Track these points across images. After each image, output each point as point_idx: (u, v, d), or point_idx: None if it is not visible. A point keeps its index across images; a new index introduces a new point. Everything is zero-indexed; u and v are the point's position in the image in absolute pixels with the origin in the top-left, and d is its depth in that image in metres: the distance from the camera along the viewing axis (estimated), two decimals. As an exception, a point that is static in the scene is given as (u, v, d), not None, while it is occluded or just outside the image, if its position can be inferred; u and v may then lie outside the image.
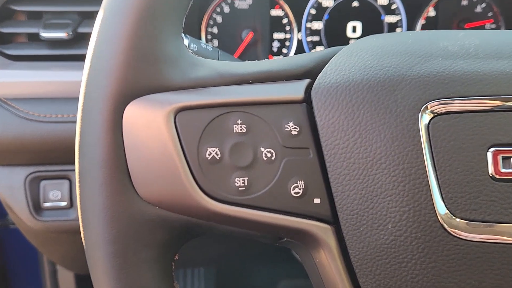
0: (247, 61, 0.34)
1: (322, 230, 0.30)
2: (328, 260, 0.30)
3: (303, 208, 0.30)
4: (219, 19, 0.71)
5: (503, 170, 0.28)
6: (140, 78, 0.29)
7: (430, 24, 0.74)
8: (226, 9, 0.71)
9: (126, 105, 0.28)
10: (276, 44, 0.73)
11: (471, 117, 0.29)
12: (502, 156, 0.28)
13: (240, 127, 0.29)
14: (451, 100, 0.29)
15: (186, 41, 0.46)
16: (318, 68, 0.33)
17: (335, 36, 0.73)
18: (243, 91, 0.30)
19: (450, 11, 0.74)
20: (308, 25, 0.73)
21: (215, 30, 0.72)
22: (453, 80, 0.29)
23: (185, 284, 1.09)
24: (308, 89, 0.31)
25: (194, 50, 0.46)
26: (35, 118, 0.57)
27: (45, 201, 0.61)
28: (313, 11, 0.72)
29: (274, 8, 0.72)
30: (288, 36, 0.73)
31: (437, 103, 0.29)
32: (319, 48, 0.74)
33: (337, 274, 0.30)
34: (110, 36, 0.29)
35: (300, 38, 0.73)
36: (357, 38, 0.73)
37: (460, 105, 0.29)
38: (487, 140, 0.28)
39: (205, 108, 0.29)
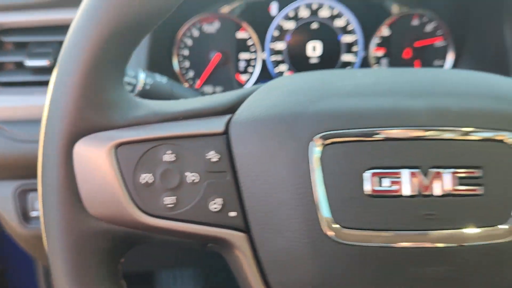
0: (181, 99, 0.41)
1: (237, 238, 0.37)
2: (244, 262, 0.37)
3: (221, 221, 0.37)
4: (189, 42, 0.79)
5: (376, 188, 0.35)
6: (87, 120, 0.36)
7: (384, 43, 0.80)
8: (196, 33, 0.78)
9: (76, 141, 0.36)
10: (242, 64, 0.80)
11: (352, 145, 0.36)
12: (376, 177, 0.35)
13: (170, 156, 0.37)
14: (337, 132, 0.36)
15: (142, 76, 0.54)
16: (237, 105, 0.40)
17: (296, 55, 0.80)
18: (173, 127, 0.37)
19: (402, 30, 0.80)
20: (272, 45, 0.80)
21: (186, 52, 0.79)
22: (340, 116, 0.36)
23: (174, 285, 1.16)
24: (228, 123, 0.38)
25: (150, 83, 0.53)
26: (22, 138, 0.65)
27: (32, 210, 0.69)
28: (276, 33, 0.80)
29: (239, 31, 0.79)
30: (253, 56, 0.80)
31: (326, 135, 0.36)
32: (282, 67, 0.81)
33: (250, 273, 0.37)
34: (63, 86, 0.36)
35: (264, 58, 0.80)
36: (317, 57, 0.80)
37: (344, 136, 0.36)
38: (365, 164, 0.35)
39: (140, 142, 0.36)
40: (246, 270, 0.38)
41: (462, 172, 0.36)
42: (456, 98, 0.38)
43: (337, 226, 0.35)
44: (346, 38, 0.80)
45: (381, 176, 0.35)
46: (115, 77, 0.37)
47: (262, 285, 0.38)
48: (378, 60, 0.81)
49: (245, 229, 0.37)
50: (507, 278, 0.36)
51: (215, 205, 0.37)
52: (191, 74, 0.80)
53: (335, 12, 0.79)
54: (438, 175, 0.35)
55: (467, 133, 0.36)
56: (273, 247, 0.36)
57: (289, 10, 0.79)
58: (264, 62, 0.80)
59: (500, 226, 0.36)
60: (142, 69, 0.55)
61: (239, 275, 0.39)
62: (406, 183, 0.35)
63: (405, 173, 0.35)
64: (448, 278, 0.35)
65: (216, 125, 0.38)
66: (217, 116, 0.39)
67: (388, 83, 0.39)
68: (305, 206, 0.35)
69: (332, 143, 0.36)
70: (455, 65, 0.80)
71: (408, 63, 0.81)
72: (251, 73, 0.80)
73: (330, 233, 0.35)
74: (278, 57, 0.80)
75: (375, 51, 0.81)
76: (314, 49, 0.80)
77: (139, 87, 0.53)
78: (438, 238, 0.35)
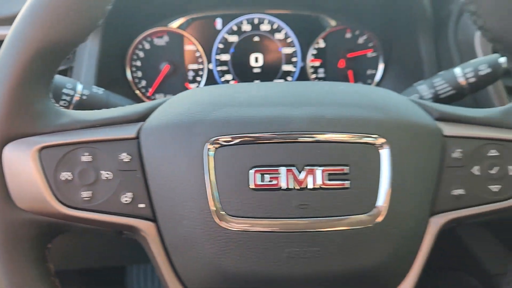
0: (102, 109, 0.48)
1: (146, 226, 0.44)
2: (153, 246, 0.44)
3: (131, 211, 0.44)
4: (141, 54, 0.86)
5: (259, 183, 0.42)
6: (16, 127, 0.43)
7: (320, 54, 0.88)
8: (147, 46, 0.85)
9: (5, 146, 0.42)
10: (191, 74, 0.87)
11: (239, 148, 0.43)
12: (259, 174, 0.42)
13: (87, 157, 0.43)
14: (226, 137, 0.43)
15: (79, 88, 0.60)
16: (148, 114, 0.46)
17: (240, 66, 0.88)
18: (90, 133, 0.44)
19: (337, 43, 0.88)
20: (217, 57, 0.87)
21: (138, 63, 0.86)
22: (230, 123, 0.43)
23: (145, 280, 1.21)
24: (140, 129, 0.45)
25: (87, 94, 0.60)
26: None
27: None
28: (221, 46, 0.87)
29: (187, 44, 0.86)
30: (201, 66, 0.87)
31: (217, 139, 0.43)
32: (227, 76, 0.88)
33: (158, 256, 0.44)
34: None
35: (211, 68, 0.87)
36: (259, 67, 0.88)
37: (232, 140, 0.43)
38: (249, 163, 0.43)
39: (61, 146, 0.43)
40: (155, 253, 0.45)
41: (331, 170, 0.43)
42: (332, 107, 0.45)
43: (226, 215, 0.42)
44: (286, 50, 0.88)
45: (262, 173, 0.43)
46: (41, 91, 0.43)
47: (168, 266, 0.45)
48: (315, 69, 0.89)
49: (153, 218, 0.44)
50: (369, 258, 0.43)
51: (126, 198, 0.44)
52: (143, 83, 0.86)
53: (275, 26, 0.87)
54: (311, 172, 0.43)
55: (337, 137, 0.43)
56: (175, 234, 0.43)
57: (232, 24, 0.86)
58: (211, 72, 0.87)
59: (364, 215, 0.43)
60: (79, 82, 0.61)
61: (151, 258, 0.46)
62: (283, 179, 0.43)
63: (282, 170, 0.43)
64: (318, 257, 0.43)
65: (128, 131, 0.45)
66: (131, 124, 0.46)
67: (276, 96, 0.46)
68: (200, 199, 0.42)
69: (222, 146, 0.43)
70: (384, 73, 0.88)
71: (343, 73, 0.88)
72: (199, 82, 0.88)
73: (220, 222, 0.42)
74: (224, 68, 0.88)
75: (312, 62, 0.88)
76: (256, 60, 0.88)
77: (76, 97, 0.60)
78: (310, 225, 0.42)
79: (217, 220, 0.42)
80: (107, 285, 1.21)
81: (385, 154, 0.44)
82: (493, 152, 0.46)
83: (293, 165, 0.43)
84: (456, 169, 0.46)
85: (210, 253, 0.43)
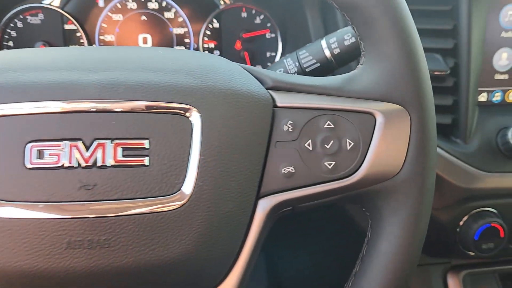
0: None
1: None
2: None
3: None
4: (13, 33, 0.78)
5: (36, 161, 0.35)
6: None
7: (214, 35, 0.82)
8: (20, 24, 0.78)
9: None
10: (72, 56, 0.80)
11: (15, 119, 0.36)
12: (36, 150, 0.36)
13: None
14: (1, 105, 0.36)
15: None
16: None
17: (127, 47, 0.81)
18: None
19: (232, 22, 0.82)
20: (101, 37, 0.80)
21: (11, 43, 0.78)
22: (4, 89, 0.36)
23: None
24: None
25: None
26: None
27: None
28: (104, 25, 0.80)
29: (66, 23, 0.79)
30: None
31: None
32: (113, 58, 0.81)
33: None
34: None
35: (95, 50, 0.80)
36: (149, 49, 0.81)
37: (7, 109, 0.36)
38: (25, 137, 0.36)
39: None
40: None
41: (126, 144, 0.36)
42: (135, 73, 0.38)
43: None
44: (177, 30, 0.81)
45: (41, 148, 0.36)
46: None
47: None
48: (210, 51, 0.82)
49: None
50: (170, 245, 0.37)
51: None
52: (19, 66, 0.79)
53: (164, 4, 0.80)
54: (100, 146, 0.36)
55: (136, 105, 0.37)
56: None
57: (116, 2, 0.79)
58: (94, 54, 0.80)
59: (165, 197, 0.37)
60: None
61: None
62: (66, 155, 0.36)
63: (65, 145, 0.36)
64: (106, 248, 0.36)
65: None
66: None
67: (73, 60, 0.40)
68: None
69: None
70: (283, 54, 0.82)
71: (240, 54, 0.82)
72: (81, 65, 0.80)
73: None
74: (109, 49, 0.80)
75: (206, 43, 0.82)
76: (145, 41, 0.81)
77: None
78: (96, 209, 0.36)
79: None
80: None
81: (196, 127, 0.38)
82: (328, 124, 0.41)
83: (79, 139, 0.36)
84: (287, 143, 0.40)
85: None
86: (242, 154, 0.39)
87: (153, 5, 0.80)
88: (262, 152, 0.40)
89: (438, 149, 0.63)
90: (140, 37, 0.81)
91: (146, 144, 0.37)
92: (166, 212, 0.36)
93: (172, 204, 0.37)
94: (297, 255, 1.12)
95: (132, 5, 0.80)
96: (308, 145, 0.40)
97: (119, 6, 0.79)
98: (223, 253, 0.39)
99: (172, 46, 0.81)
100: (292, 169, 0.40)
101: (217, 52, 0.82)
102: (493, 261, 0.77)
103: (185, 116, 0.38)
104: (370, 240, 0.43)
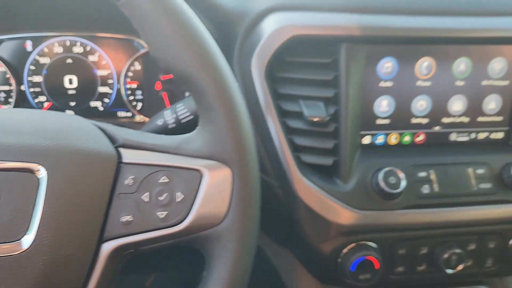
0: None
1: None
2: None
3: None
4: None
5: None
6: None
7: (137, 76, 0.88)
8: (-48, 67, 0.84)
9: None
10: (2, 95, 0.86)
11: None
12: None
13: None
14: None
15: None
16: None
17: (54, 87, 0.87)
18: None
19: (152, 64, 0.88)
20: (30, 78, 0.87)
21: None
22: None
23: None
24: None
25: None
26: None
27: None
28: (32, 67, 0.86)
29: (-4, 65, 0.85)
30: (12, 88, 0.86)
31: None
32: (41, 97, 0.87)
33: None
34: None
35: (23, 90, 0.87)
36: (74, 89, 0.88)
37: None
38: None
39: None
40: None
41: None
42: None
43: None
44: (100, 72, 0.88)
45: None
46: None
47: None
48: (133, 91, 0.89)
49: None
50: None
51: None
52: (-49, 105, 0.85)
53: (88, 49, 0.87)
54: None
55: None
56: None
57: (43, 46, 0.86)
58: (23, 93, 0.87)
59: (9, 243, 0.43)
60: None
61: None
62: None
63: None
64: None
65: None
66: None
67: None
68: None
69: None
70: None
71: (159, 94, 0.89)
72: (11, 103, 0.87)
73: None
74: (37, 89, 0.87)
75: (129, 83, 0.89)
76: (70, 81, 0.87)
77: None
78: None
79: None
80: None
81: (42, 183, 0.44)
82: (164, 179, 0.47)
83: None
84: (127, 195, 0.47)
85: None
86: (85, 205, 0.45)
87: (78, 49, 0.87)
88: (104, 203, 0.46)
89: (317, 189, 0.70)
90: (66, 78, 0.87)
91: None
92: (8, 256, 0.42)
93: (15, 249, 0.43)
94: None
95: (58, 49, 0.86)
96: (145, 197, 0.47)
97: (46, 50, 0.86)
98: None
99: (96, 87, 0.88)
100: (130, 218, 0.46)
101: (139, 91, 0.89)
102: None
103: (34, 174, 0.44)
104: (204, 278, 0.49)
